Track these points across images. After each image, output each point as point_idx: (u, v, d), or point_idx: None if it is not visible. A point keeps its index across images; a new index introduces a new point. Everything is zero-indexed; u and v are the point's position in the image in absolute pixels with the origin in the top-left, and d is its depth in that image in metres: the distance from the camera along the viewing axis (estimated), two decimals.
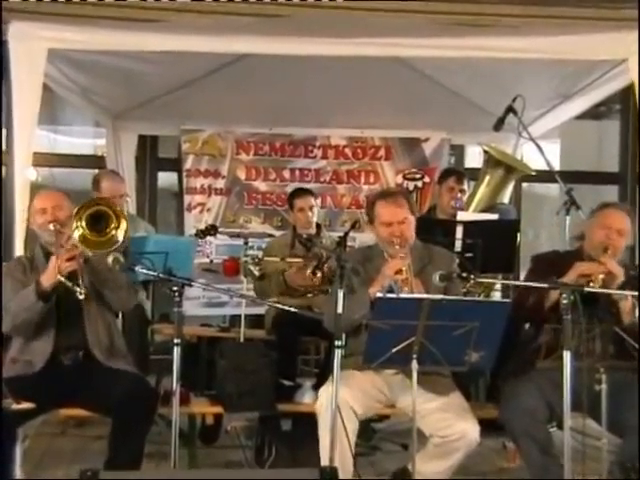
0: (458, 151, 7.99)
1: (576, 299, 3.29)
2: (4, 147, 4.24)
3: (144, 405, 3.61)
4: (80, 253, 3.66)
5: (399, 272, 3.65)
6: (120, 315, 4.51)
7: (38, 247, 3.93)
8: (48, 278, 3.62)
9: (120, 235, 3.66)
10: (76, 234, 3.61)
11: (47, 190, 4.08)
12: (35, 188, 4.27)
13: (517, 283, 3.93)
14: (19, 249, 4.14)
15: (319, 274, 4.92)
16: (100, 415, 3.84)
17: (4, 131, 4.25)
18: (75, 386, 3.67)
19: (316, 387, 4.34)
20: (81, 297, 3.57)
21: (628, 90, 4.59)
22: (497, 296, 5.22)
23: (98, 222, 3.67)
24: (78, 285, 3.58)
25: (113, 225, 3.67)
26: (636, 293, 3.58)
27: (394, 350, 3.26)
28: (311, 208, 5.39)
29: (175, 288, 3.31)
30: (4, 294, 3.77)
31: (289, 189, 6.79)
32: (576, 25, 4.35)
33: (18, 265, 3.90)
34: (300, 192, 5.53)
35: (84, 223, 3.63)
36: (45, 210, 3.83)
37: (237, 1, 4.47)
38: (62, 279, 3.58)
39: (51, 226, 3.76)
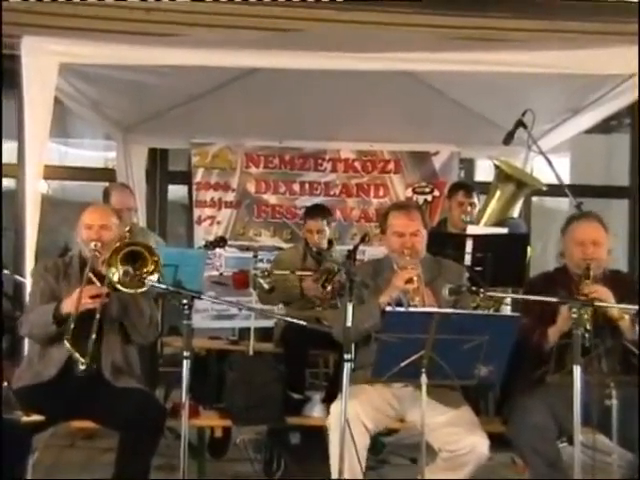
0: (468, 165, 7.99)
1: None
2: (13, 160, 4.25)
3: (152, 423, 3.60)
4: (107, 294, 3.65)
5: (409, 282, 3.65)
6: None
7: (77, 256, 3.95)
8: (67, 306, 3.64)
9: (147, 282, 3.52)
10: (115, 278, 3.54)
11: (98, 206, 4.06)
12: (45, 201, 4.30)
13: (527, 297, 3.90)
14: (30, 261, 4.16)
15: (329, 287, 4.93)
16: (109, 429, 3.84)
17: (15, 144, 4.27)
18: (85, 399, 3.66)
19: (325, 400, 4.33)
20: (82, 367, 3.56)
21: (638, 104, 4.58)
22: (507, 310, 5.20)
23: (133, 259, 3.58)
24: (83, 354, 3.57)
25: (146, 270, 3.56)
26: (636, 307, 3.54)
27: (403, 364, 3.25)
28: (320, 231, 5.37)
29: (184, 301, 3.30)
30: (32, 294, 3.83)
31: (299, 202, 6.85)
32: (585, 40, 4.38)
33: (53, 268, 3.90)
34: (313, 213, 5.50)
35: (120, 266, 3.53)
36: (91, 227, 3.82)
37: (249, 16, 4.52)
38: (68, 345, 3.56)
39: (92, 245, 3.75)
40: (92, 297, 3.64)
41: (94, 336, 3.61)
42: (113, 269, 3.53)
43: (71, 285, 3.77)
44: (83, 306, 3.62)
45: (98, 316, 3.64)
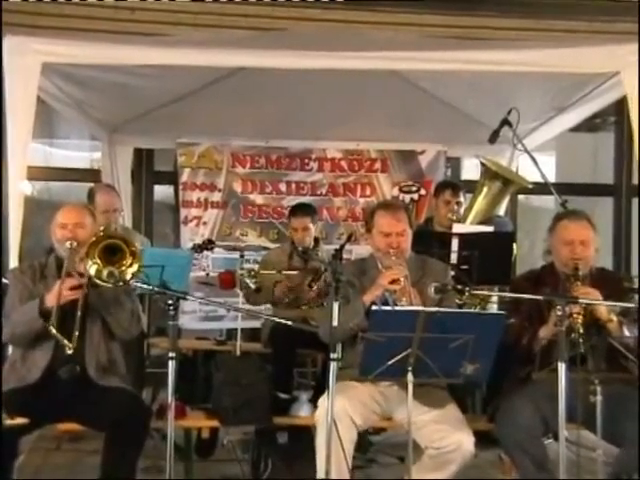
0: (454, 163, 8.00)
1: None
2: None
3: (137, 423, 3.59)
4: (87, 284, 3.65)
5: (395, 282, 3.65)
6: None
7: (53, 257, 3.93)
8: (51, 299, 3.63)
9: (128, 275, 3.53)
10: (92, 270, 3.52)
11: (71, 205, 4.01)
12: (30, 202, 4.26)
13: (513, 295, 3.91)
14: (14, 262, 4.13)
15: (315, 287, 4.93)
16: (94, 430, 3.82)
17: None
18: (70, 401, 3.65)
19: (313, 400, 4.33)
20: (70, 352, 3.56)
21: (623, 102, 4.60)
22: (493, 308, 5.22)
23: (113, 253, 3.57)
24: (72, 330, 3.57)
25: (125, 262, 3.56)
26: (636, 305, 3.55)
27: (390, 362, 3.25)
28: (304, 229, 5.39)
29: (170, 302, 3.30)
30: (10, 298, 3.79)
31: (285, 202, 6.83)
32: (570, 38, 4.39)
33: (29, 270, 3.89)
34: (297, 211, 5.54)
35: (98, 260, 3.52)
36: (65, 226, 3.80)
37: (234, 15, 4.50)
38: (54, 331, 3.55)
39: (67, 244, 3.73)
40: (72, 288, 3.63)
41: (77, 333, 3.60)
42: (90, 262, 3.52)
43: (49, 286, 3.75)
44: (65, 298, 3.61)
45: (80, 313, 3.62)
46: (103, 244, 3.55)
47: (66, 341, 3.57)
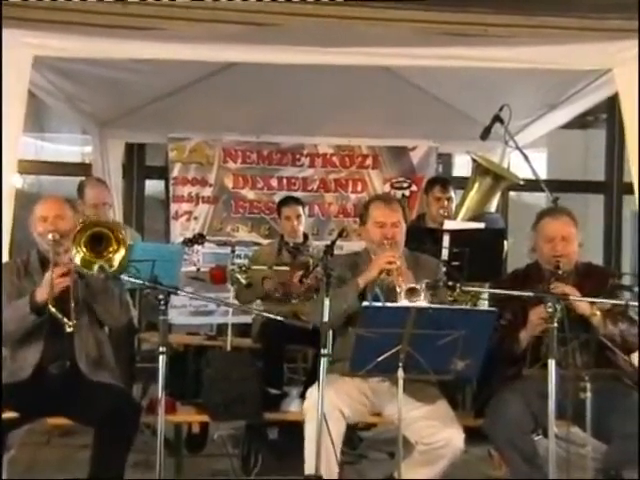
0: (446, 159, 8.02)
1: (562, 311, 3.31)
2: None
3: (126, 419, 3.57)
4: (74, 269, 3.62)
5: (391, 263, 3.65)
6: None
7: (35, 252, 3.90)
8: (42, 293, 3.60)
9: (116, 261, 3.53)
10: (77, 259, 3.49)
11: (50, 197, 3.99)
12: (20, 196, 4.24)
13: (503, 292, 3.91)
14: (4, 256, 4.11)
15: (307, 281, 4.93)
16: (83, 426, 3.82)
17: None
18: (60, 396, 3.64)
19: (303, 395, 4.33)
20: (69, 330, 3.50)
21: (614, 99, 4.61)
22: (484, 305, 5.23)
23: (98, 242, 3.55)
24: (68, 316, 3.52)
25: (112, 249, 3.54)
26: (636, 303, 3.56)
27: (380, 358, 3.26)
28: (298, 217, 5.43)
29: (161, 296, 3.29)
30: None
31: (277, 197, 6.81)
32: (562, 35, 4.38)
33: (13, 267, 3.87)
34: (288, 200, 5.59)
35: (84, 247, 3.50)
36: (46, 219, 3.77)
37: (227, 9, 4.47)
38: (52, 309, 3.50)
39: (50, 236, 3.70)
40: (62, 276, 3.60)
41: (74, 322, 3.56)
42: (75, 250, 3.49)
43: (34, 282, 3.73)
44: (58, 286, 3.58)
45: (73, 304, 3.58)
46: (89, 233, 3.53)
47: (66, 319, 3.50)
